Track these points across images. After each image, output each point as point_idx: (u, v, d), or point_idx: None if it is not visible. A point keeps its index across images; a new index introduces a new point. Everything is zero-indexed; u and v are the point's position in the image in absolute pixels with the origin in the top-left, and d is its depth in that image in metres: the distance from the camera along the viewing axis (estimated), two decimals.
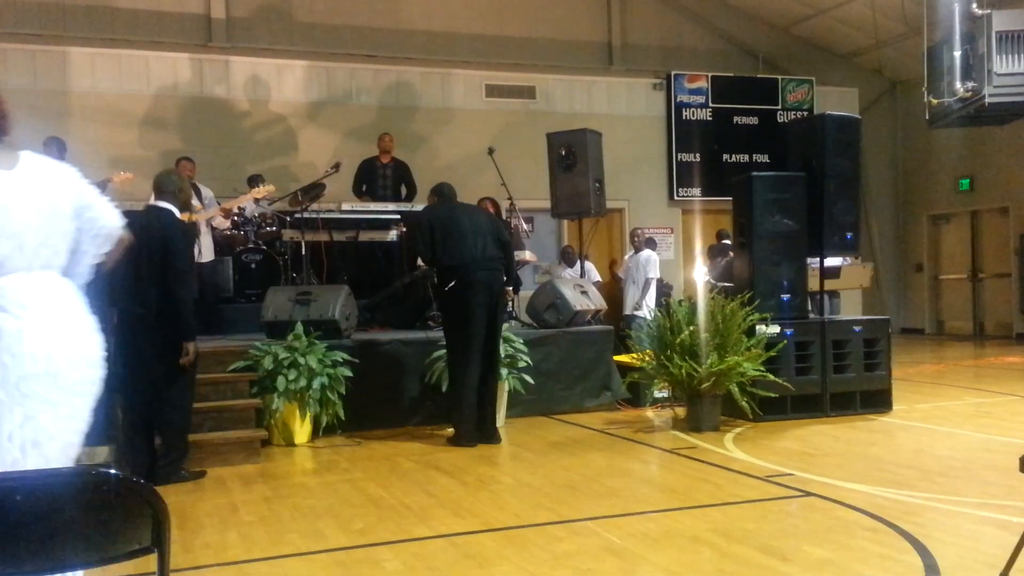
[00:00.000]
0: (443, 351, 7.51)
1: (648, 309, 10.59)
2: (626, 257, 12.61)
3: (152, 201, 5.91)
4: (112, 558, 1.84)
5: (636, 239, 12.10)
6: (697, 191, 15.05)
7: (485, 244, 6.85)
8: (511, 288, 7.33)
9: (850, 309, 14.18)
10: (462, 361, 6.75)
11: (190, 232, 6.29)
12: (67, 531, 1.79)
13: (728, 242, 12.19)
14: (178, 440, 5.84)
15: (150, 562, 1.96)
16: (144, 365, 5.66)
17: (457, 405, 6.80)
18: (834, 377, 7.67)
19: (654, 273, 11.53)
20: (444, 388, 7.36)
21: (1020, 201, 15.35)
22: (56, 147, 8.66)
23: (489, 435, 6.84)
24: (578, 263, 11.15)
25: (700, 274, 11.53)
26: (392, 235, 10.09)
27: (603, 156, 10.05)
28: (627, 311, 11.57)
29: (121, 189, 9.32)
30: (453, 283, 6.74)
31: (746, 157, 15.29)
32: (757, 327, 7.33)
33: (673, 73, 15.06)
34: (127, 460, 5.78)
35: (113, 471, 1.82)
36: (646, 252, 11.81)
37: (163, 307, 5.58)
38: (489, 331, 6.82)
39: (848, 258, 11.10)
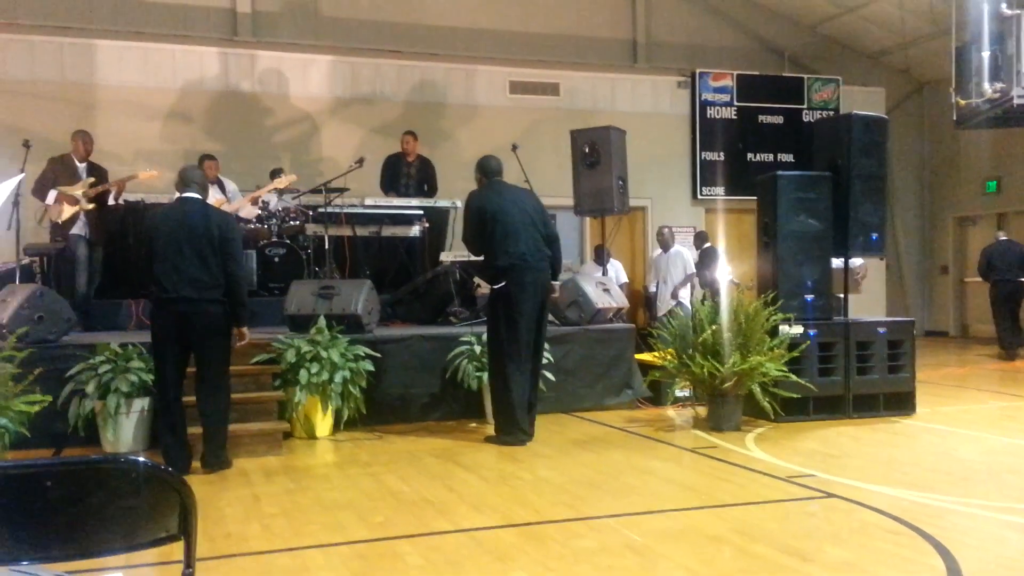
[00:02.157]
0: (464, 347, 7.54)
1: (683, 304, 10.54)
2: (654, 255, 12.48)
3: (185, 193, 5.96)
4: (139, 545, 1.86)
5: (663, 237, 11.98)
6: (721, 190, 14.98)
7: (535, 241, 6.68)
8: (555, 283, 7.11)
9: (873, 311, 14.08)
10: (508, 361, 6.58)
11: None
12: (95, 518, 1.81)
13: (709, 245, 12.13)
14: (225, 427, 5.97)
15: (174, 550, 1.98)
16: (186, 354, 5.84)
17: (503, 405, 6.65)
18: (857, 379, 7.62)
19: (692, 269, 11.44)
20: (474, 386, 7.41)
21: None
22: (83, 140, 8.75)
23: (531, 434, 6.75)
24: (606, 264, 11.00)
25: (723, 273, 11.46)
26: (415, 231, 10.12)
27: (627, 154, 10.02)
28: (661, 312, 11.36)
29: (147, 185, 9.42)
30: (503, 284, 6.60)
31: (771, 156, 15.20)
32: (780, 327, 7.29)
33: (698, 71, 14.99)
34: (178, 455, 5.84)
35: (142, 459, 1.84)
36: (676, 248, 11.73)
37: (222, 294, 5.80)
38: (535, 331, 6.70)
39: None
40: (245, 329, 5.99)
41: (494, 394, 6.84)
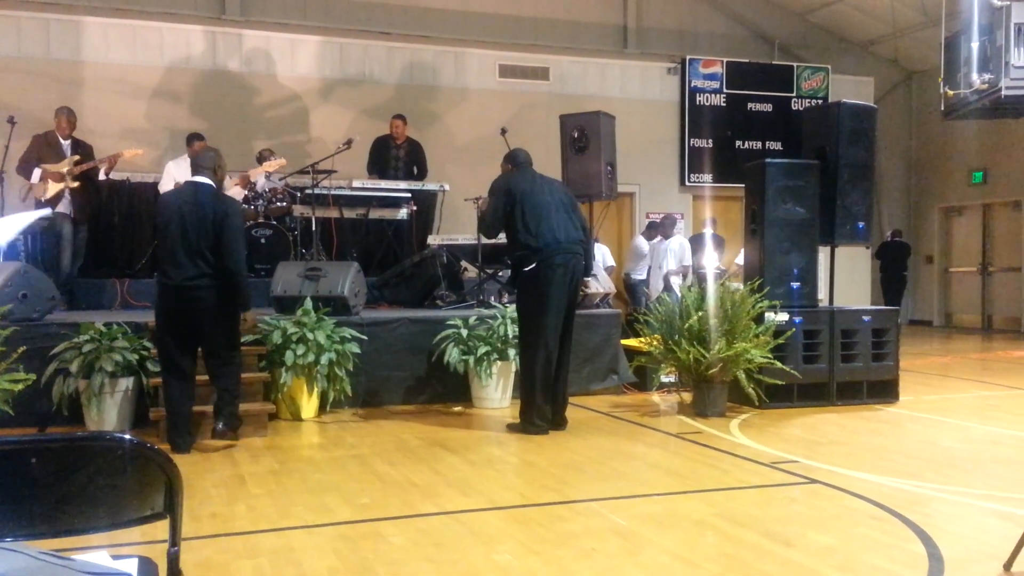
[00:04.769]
0: (450, 330, 7.53)
1: (673, 292, 10.54)
2: (652, 242, 12.40)
3: (195, 178, 5.97)
4: (124, 523, 1.85)
5: (664, 226, 11.96)
6: (708, 177, 14.99)
7: (567, 224, 6.39)
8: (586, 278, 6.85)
9: (858, 300, 14.15)
10: (535, 346, 6.33)
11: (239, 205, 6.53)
12: (80, 495, 1.80)
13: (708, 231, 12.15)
14: (235, 406, 5.99)
15: (159, 529, 1.97)
16: (191, 337, 5.88)
17: (528, 391, 6.40)
18: (841, 366, 7.67)
19: (689, 260, 11.45)
20: (460, 369, 7.39)
21: None
22: (66, 116, 8.67)
23: (559, 422, 6.52)
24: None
25: (710, 260, 11.47)
26: (402, 213, 10.09)
27: (616, 139, 10.00)
28: (654, 299, 11.32)
29: (132, 163, 9.37)
30: (533, 266, 6.29)
31: (759, 144, 15.21)
32: (766, 314, 7.32)
33: (688, 57, 14.98)
34: (180, 434, 5.87)
35: (127, 436, 1.83)
36: (678, 239, 11.74)
37: (219, 278, 5.76)
38: (566, 317, 6.42)
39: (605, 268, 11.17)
40: (249, 314, 5.93)
41: (519, 381, 6.64)
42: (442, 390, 7.74)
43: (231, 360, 5.97)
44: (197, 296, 5.73)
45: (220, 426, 5.84)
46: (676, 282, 11.41)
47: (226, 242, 5.71)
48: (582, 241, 6.52)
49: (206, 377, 6.06)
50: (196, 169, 5.98)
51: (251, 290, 6.00)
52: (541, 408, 6.37)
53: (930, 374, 9.91)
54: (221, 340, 5.88)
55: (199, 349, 5.98)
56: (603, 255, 11.65)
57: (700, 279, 10.41)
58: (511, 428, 6.57)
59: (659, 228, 12.14)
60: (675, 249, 11.46)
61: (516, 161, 6.70)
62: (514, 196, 6.39)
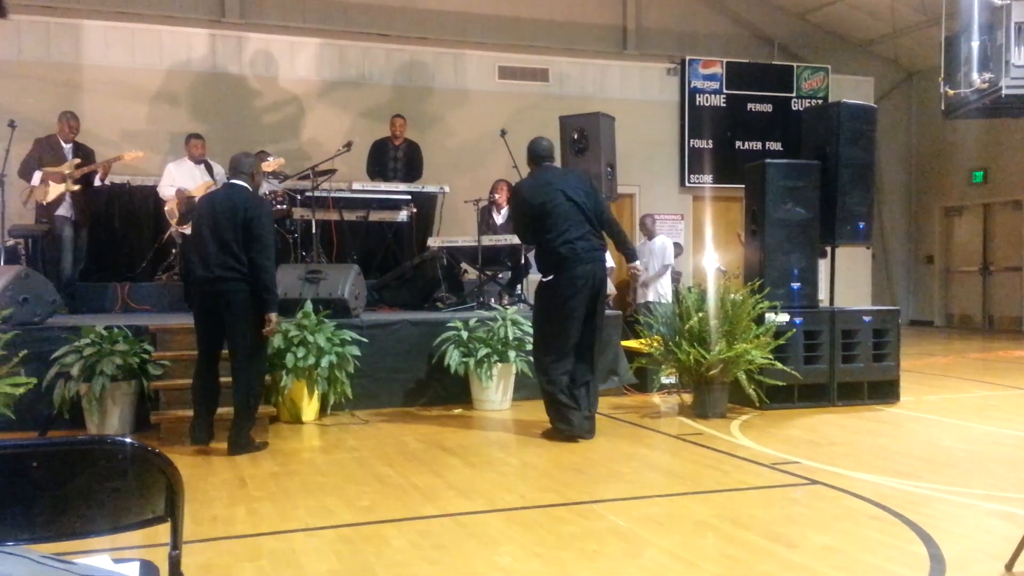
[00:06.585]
0: (450, 332, 7.54)
1: (660, 296, 10.53)
2: (638, 244, 12.45)
3: (232, 180, 6.04)
4: (125, 526, 1.85)
5: (647, 226, 11.97)
6: (709, 178, 14.98)
7: (586, 231, 6.20)
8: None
9: (858, 300, 14.15)
10: (549, 355, 6.20)
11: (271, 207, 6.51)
12: (81, 499, 1.80)
13: None
14: (252, 408, 5.99)
15: (160, 532, 1.97)
16: (215, 337, 5.95)
17: (547, 397, 6.27)
18: (842, 367, 7.66)
19: (670, 260, 11.45)
20: (460, 371, 7.38)
21: None
22: (68, 121, 8.68)
23: (589, 428, 6.31)
24: None
25: (710, 261, 11.46)
26: (402, 215, 10.10)
27: (615, 140, 9.99)
28: (641, 299, 11.35)
29: (132, 166, 9.37)
30: (551, 277, 6.19)
31: (759, 144, 15.20)
32: (766, 315, 7.32)
33: (688, 58, 14.97)
34: (200, 431, 5.92)
35: (128, 440, 1.83)
36: (661, 238, 11.73)
37: (246, 277, 5.81)
38: (587, 324, 6.21)
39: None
40: (272, 315, 5.89)
41: (541, 387, 6.42)
42: (442, 392, 7.74)
43: (251, 362, 5.93)
44: (223, 291, 5.80)
45: (230, 442, 5.87)
46: (664, 284, 11.37)
47: (255, 238, 5.77)
48: (603, 247, 6.38)
49: (229, 379, 6.08)
50: (234, 173, 6.04)
51: (276, 292, 6.04)
52: (565, 411, 6.21)
53: (931, 374, 9.91)
54: (242, 339, 5.88)
55: (223, 343, 6.03)
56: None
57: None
58: (545, 435, 6.40)
59: (642, 228, 12.10)
60: (656, 249, 11.44)
61: (536, 155, 6.48)
62: (532, 208, 6.25)
